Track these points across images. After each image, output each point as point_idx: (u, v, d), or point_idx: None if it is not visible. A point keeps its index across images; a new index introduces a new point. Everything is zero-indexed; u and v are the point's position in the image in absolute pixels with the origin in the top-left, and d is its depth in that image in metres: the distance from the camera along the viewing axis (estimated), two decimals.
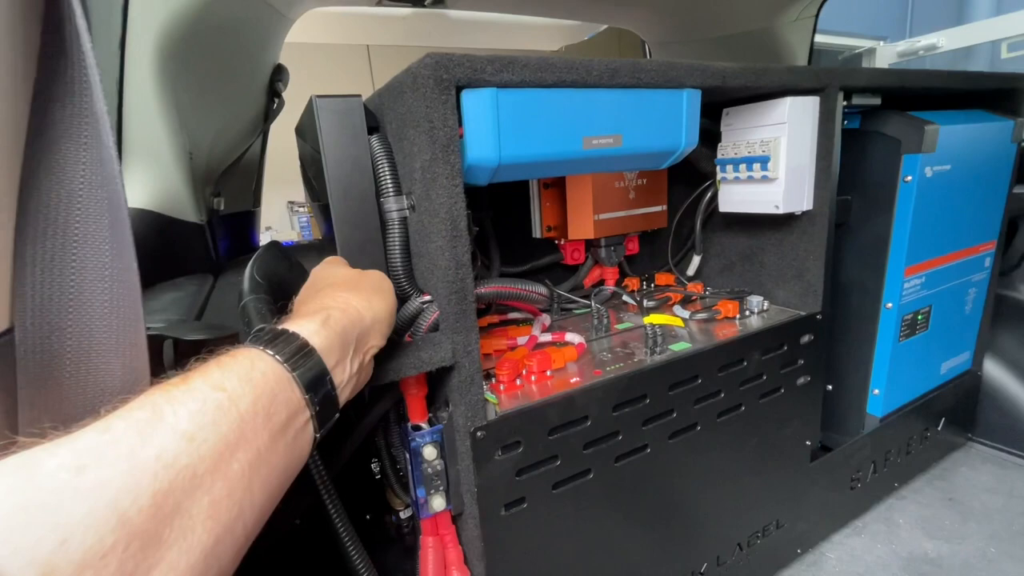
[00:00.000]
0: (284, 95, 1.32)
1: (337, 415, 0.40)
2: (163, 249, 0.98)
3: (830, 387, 1.04)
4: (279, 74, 1.30)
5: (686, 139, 0.65)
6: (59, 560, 0.20)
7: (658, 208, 0.97)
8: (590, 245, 0.97)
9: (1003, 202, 1.09)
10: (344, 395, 0.41)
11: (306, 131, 0.68)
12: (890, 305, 0.96)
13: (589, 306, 0.91)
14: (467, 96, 0.50)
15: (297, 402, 0.34)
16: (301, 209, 4.15)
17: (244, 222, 1.35)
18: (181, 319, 0.63)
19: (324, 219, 0.80)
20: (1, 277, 0.25)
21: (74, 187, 0.26)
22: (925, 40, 3.42)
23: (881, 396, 1.01)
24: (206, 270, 1.03)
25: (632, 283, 1.02)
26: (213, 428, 0.27)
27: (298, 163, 0.97)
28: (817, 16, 1.62)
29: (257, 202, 1.43)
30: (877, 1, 3.95)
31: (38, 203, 0.25)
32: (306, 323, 0.38)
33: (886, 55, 3.66)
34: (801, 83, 0.74)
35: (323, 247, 0.85)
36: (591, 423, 0.64)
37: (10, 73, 0.24)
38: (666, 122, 0.63)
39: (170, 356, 0.51)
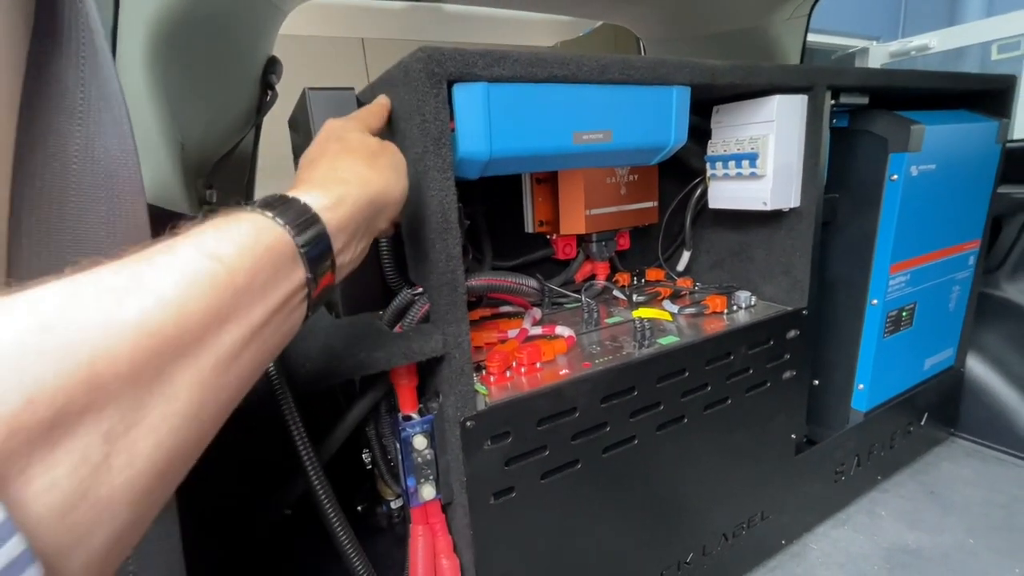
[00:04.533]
0: (278, 88, 1.32)
1: (329, 295, 0.38)
2: (155, 240, 0.97)
3: (816, 382, 1.06)
4: (272, 66, 1.29)
5: (675, 136, 0.66)
6: (27, 418, 0.19)
7: (649, 204, 0.98)
8: (581, 240, 0.98)
9: (987, 202, 1.11)
10: (341, 276, 0.38)
11: (299, 124, 0.69)
12: (875, 302, 0.98)
13: (580, 300, 0.92)
14: (458, 90, 0.51)
15: (298, 280, 0.32)
16: None
17: None
18: None
19: None
20: None
21: (68, 161, 0.27)
22: (917, 41, 3.46)
23: (866, 391, 1.02)
24: None
25: (623, 278, 1.03)
26: (204, 300, 0.25)
27: (291, 157, 0.97)
28: (810, 15, 1.63)
29: (250, 195, 1.43)
30: (870, 1, 3.97)
31: (32, 175, 0.26)
32: (320, 196, 0.35)
33: (878, 55, 3.69)
34: (789, 81, 0.75)
35: None
36: (579, 414, 0.65)
37: (5, 45, 0.25)
38: (656, 118, 0.64)
39: None
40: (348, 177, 0.39)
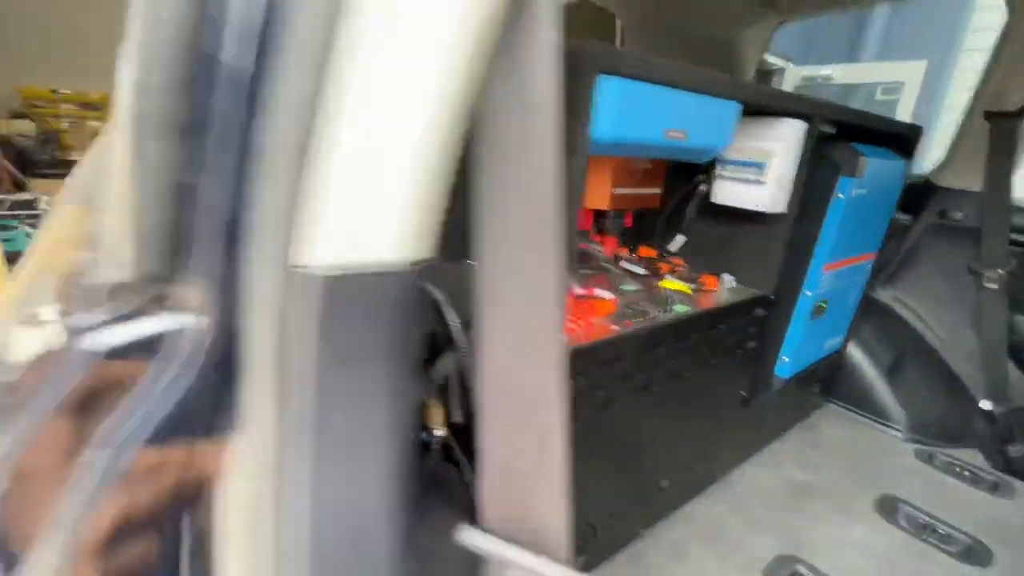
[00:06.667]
0: None
1: None
2: None
3: None
4: None
5: (726, 140, 0.79)
6: None
7: (656, 190, 1.12)
8: (598, 215, 1.09)
9: (887, 223, 1.41)
10: None
11: None
12: (809, 292, 1.23)
13: (606, 268, 1.05)
14: (603, 81, 0.59)
15: None
16: None
17: None
18: None
19: None
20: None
21: None
22: (824, 71, 4.00)
23: (789, 363, 1.29)
24: None
25: (623, 253, 1.17)
26: None
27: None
28: (770, 37, 1.86)
29: None
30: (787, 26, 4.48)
31: None
32: None
33: (793, 76, 4.20)
34: (799, 108, 0.92)
35: None
36: (626, 363, 0.78)
37: None
38: (718, 125, 0.76)
39: None
40: None
